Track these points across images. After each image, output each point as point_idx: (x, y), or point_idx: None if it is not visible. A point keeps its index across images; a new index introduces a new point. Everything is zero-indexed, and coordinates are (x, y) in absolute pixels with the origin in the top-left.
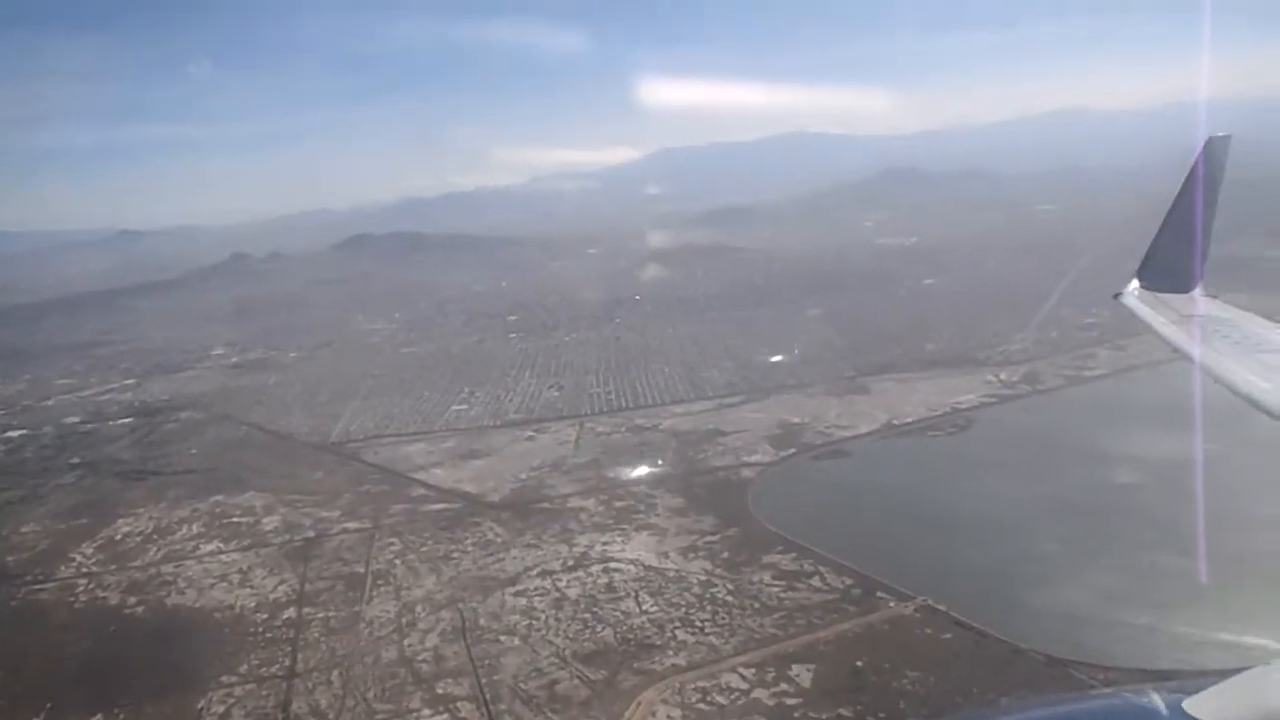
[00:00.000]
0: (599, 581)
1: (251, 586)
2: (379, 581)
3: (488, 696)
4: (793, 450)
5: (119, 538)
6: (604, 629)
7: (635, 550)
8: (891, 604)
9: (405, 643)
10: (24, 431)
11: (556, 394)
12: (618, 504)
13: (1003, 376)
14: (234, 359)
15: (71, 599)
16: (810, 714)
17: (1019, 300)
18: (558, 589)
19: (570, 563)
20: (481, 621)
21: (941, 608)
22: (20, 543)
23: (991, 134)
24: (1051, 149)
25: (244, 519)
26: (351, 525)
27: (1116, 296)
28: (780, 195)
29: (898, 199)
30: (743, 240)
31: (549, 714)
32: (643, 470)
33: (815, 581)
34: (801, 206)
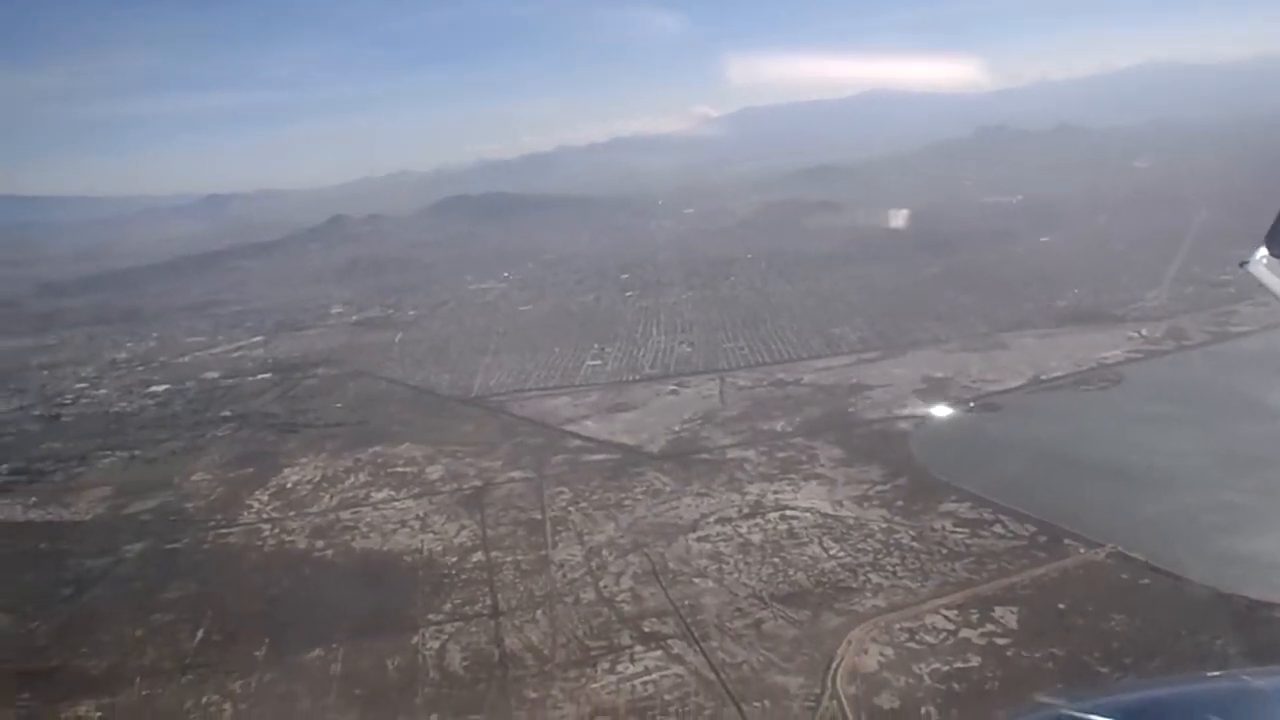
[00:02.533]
0: (779, 528)
1: (433, 532)
2: (559, 527)
3: (696, 635)
4: (943, 403)
5: (289, 486)
6: (796, 572)
7: (808, 499)
8: (1082, 550)
9: (600, 584)
10: (168, 386)
11: (689, 350)
12: (779, 455)
13: (1144, 332)
14: (354, 317)
15: (260, 543)
16: (1023, 653)
17: (1142, 257)
18: (739, 535)
19: (745, 510)
20: (671, 565)
21: (1136, 555)
22: (195, 490)
23: (1075, 90)
24: (1139, 104)
25: (407, 469)
26: (516, 474)
27: (1243, 265)
28: (870, 154)
29: (993, 157)
30: (842, 199)
31: (762, 651)
32: (796, 421)
33: (998, 529)
34: (894, 165)
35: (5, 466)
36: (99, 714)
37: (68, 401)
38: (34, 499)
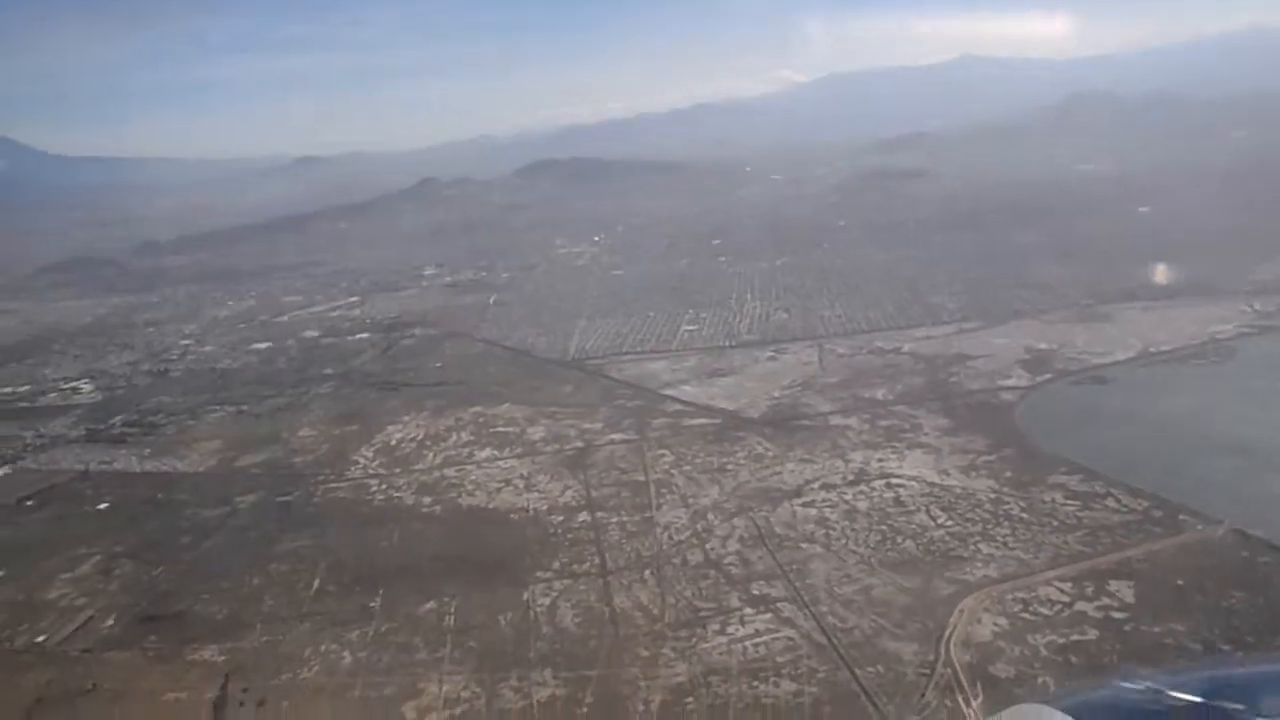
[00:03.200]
0: (885, 496)
1: (538, 491)
2: (662, 490)
3: (806, 599)
4: (1049, 375)
5: (393, 443)
6: (904, 540)
7: (913, 467)
8: (1199, 527)
9: (707, 547)
10: (269, 344)
11: (785, 316)
12: (881, 423)
13: (1257, 306)
14: (447, 279)
15: (368, 498)
16: (1141, 628)
17: (1248, 229)
18: (845, 502)
19: (850, 478)
20: (777, 530)
21: (1255, 532)
22: (302, 446)
23: (1171, 56)
24: (1237, 71)
25: (509, 429)
26: (617, 437)
27: None
28: (960, 121)
29: (1086, 125)
30: (933, 167)
31: (873, 616)
32: (898, 390)
33: (1110, 502)
34: (985, 133)
35: (119, 419)
36: (223, 658)
37: (174, 357)
38: (148, 450)
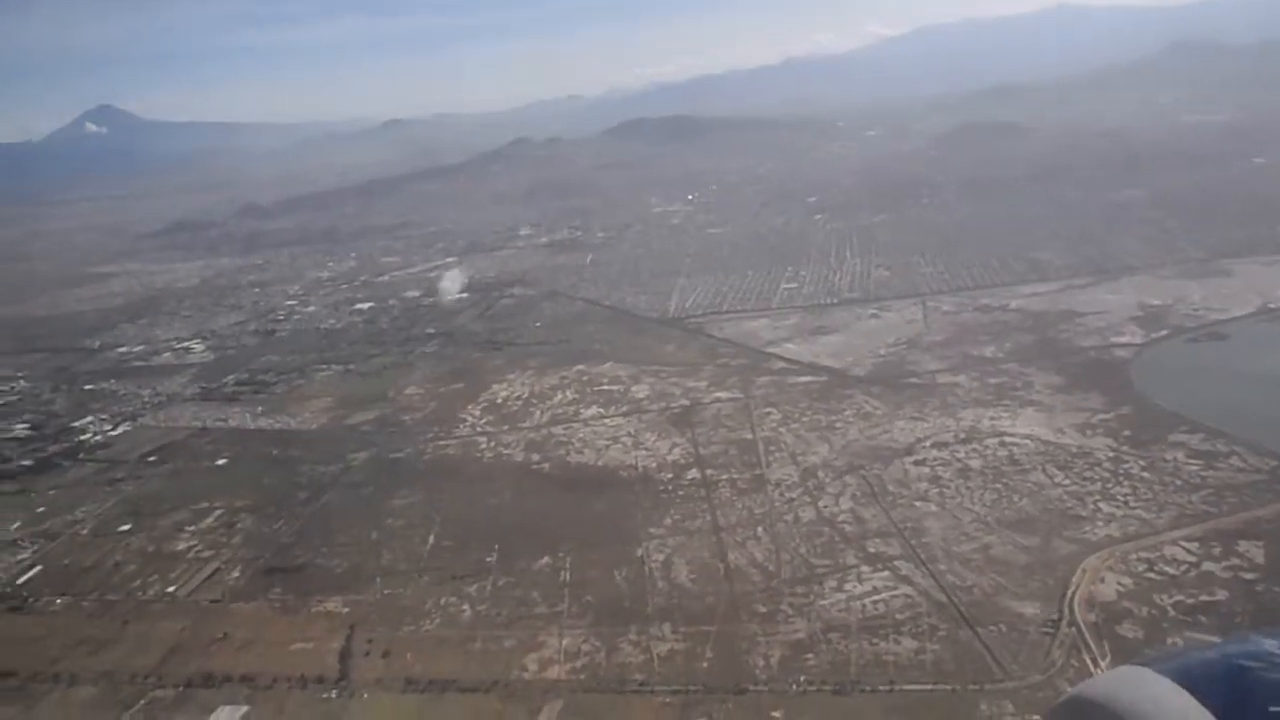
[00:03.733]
0: (998, 454)
1: (646, 449)
2: (771, 448)
3: (923, 557)
4: (1164, 332)
5: (499, 401)
6: (1020, 499)
7: (1026, 425)
8: None
9: (820, 504)
10: (372, 304)
11: (886, 273)
12: (991, 381)
13: None
14: (543, 239)
15: (478, 454)
16: (1275, 588)
17: None
18: (957, 460)
19: (961, 435)
20: (890, 488)
21: None
22: (410, 404)
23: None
24: None
25: (613, 387)
26: (723, 395)
27: None
28: (1055, 73)
29: (1190, 74)
30: (1029, 120)
31: (992, 575)
32: (1007, 348)
33: (1235, 461)
34: (1081, 84)
35: (231, 377)
36: (346, 610)
37: (280, 317)
38: (261, 408)
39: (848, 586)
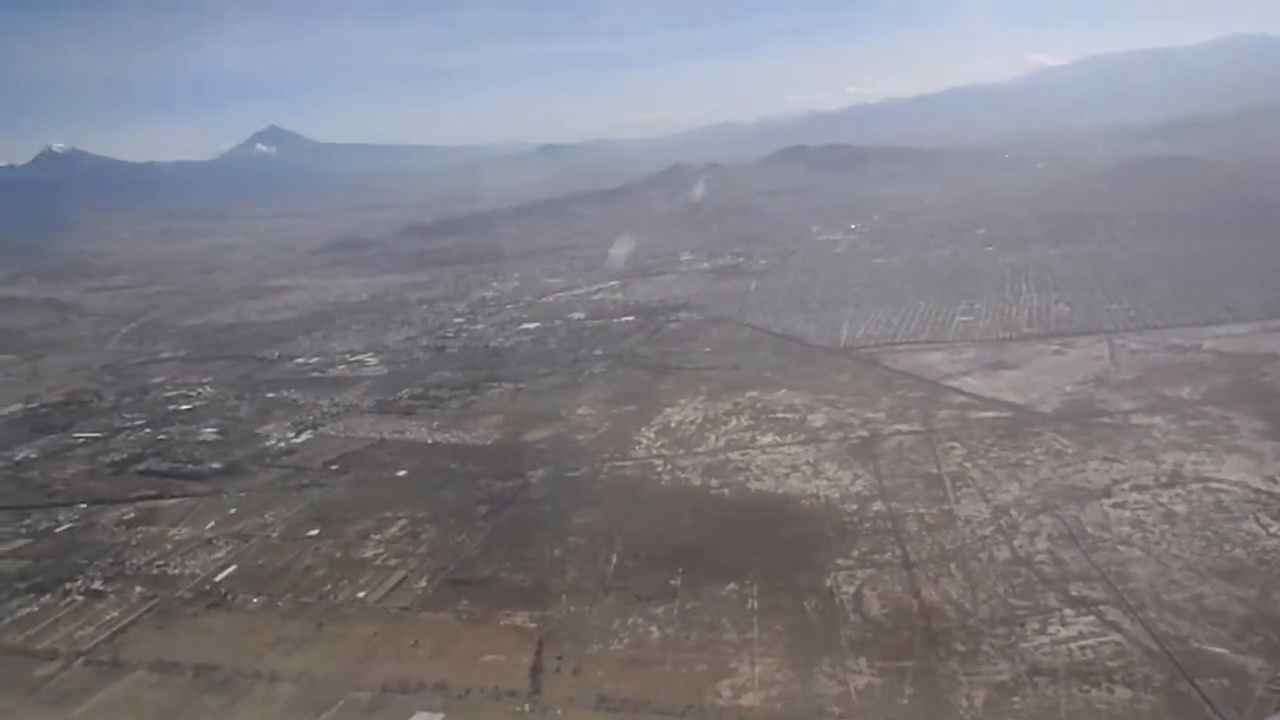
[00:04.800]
0: (1204, 500)
1: (827, 479)
2: (958, 483)
3: (1130, 603)
4: None
5: (673, 425)
6: (1233, 548)
7: (1233, 471)
8: None
9: (1014, 544)
10: (538, 324)
11: (1066, 309)
12: (1191, 423)
13: None
14: (705, 264)
15: (655, 477)
16: None
17: None
18: (1160, 504)
19: (1163, 479)
20: (1089, 530)
21: None
22: (583, 424)
23: None
24: None
25: (788, 415)
26: (903, 427)
27: None
28: (1233, 105)
29: None
30: (1209, 153)
31: (1208, 626)
32: (1204, 390)
33: None
34: (1265, 117)
35: (405, 391)
36: (534, 625)
37: (449, 335)
38: (436, 422)
39: (1051, 629)
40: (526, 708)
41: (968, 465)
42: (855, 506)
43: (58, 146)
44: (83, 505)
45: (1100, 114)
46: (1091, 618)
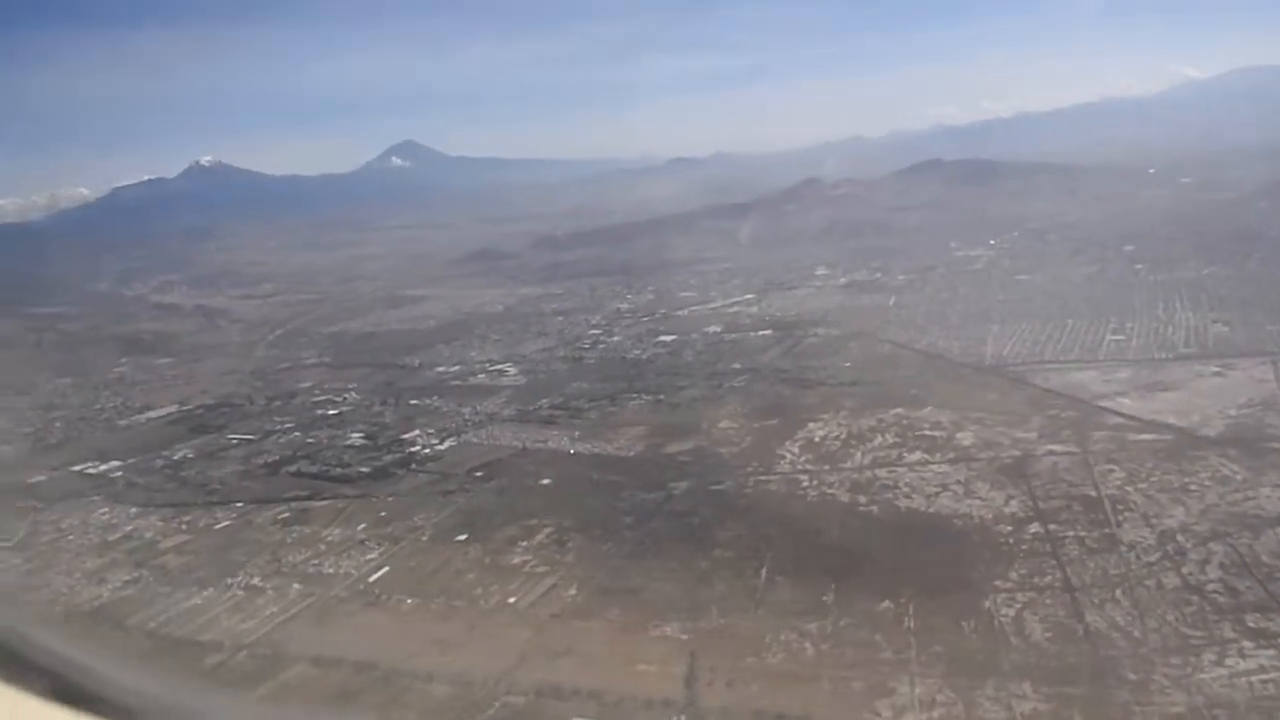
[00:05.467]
0: None
1: (979, 499)
2: (1118, 506)
3: None
4: None
5: (817, 440)
6: None
7: None
8: None
9: (1183, 571)
10: (675, 337)
11: (1225, 329)
12: None
13: None
14: (841, 279)
15: (801, 492)
16: None
17: None
18: None
19: None
20: (1263, 559)
21: None
22: (725, 437)
23: None
24: None
25: (935, 433)
26: (1057, 448)
27: None
28: None
29: None
30: None
31: None
32: None
33: None
34: None
35: (545, 401)
36: (685, 636)
37: (586, 346)
38: (578, 433)
39: (1229, 662)
40: (683, 718)
41: (1128, 488)
42: (1010, 528)
43: (205, 160)
44: (239, 504)
45: (1251, 129)
46: (1272, 651)
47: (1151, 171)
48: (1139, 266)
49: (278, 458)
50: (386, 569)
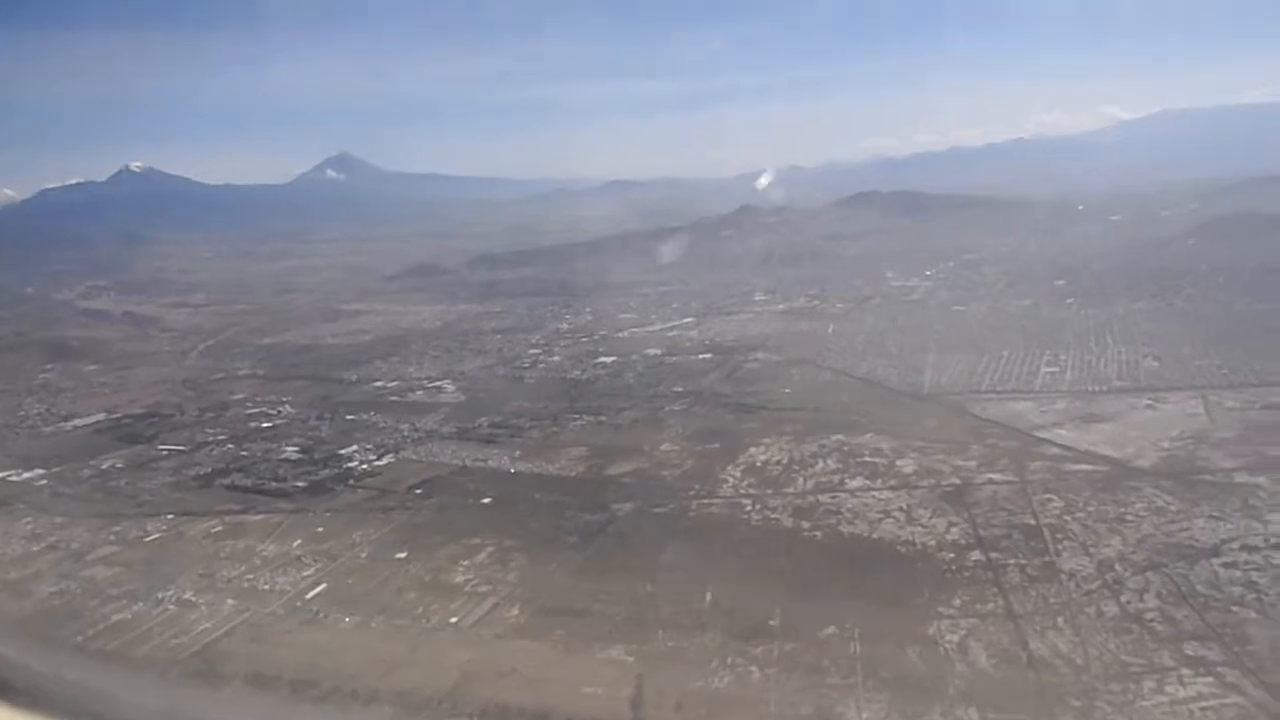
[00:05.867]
0: None
1: (921, 525)
2: (1058, 535)
3: (1251, 666)
4: None
5: (759, 464)
6: None
7: None
8: None
9: (1122, 599)
10: (615, 359)
11: (1156, 364)
12: None
13: None
14: (780, 306)
15: (744, 516)
16: None
17: None
18: (1273, 565)
19: (1273, 540)
20: (1199, 589)
21: None
22: (667, 460)
23: None
24: None
25: (876, 459)
26: (996, 477)
27: None
28: None
29: None
30: None
31: None
32: None
33: None
34: None
35: (485, 419)
36: (630, 658)
37: (526, 365)
38: (518, 451)
39: (1169, 689)
40: None
41: (1066, 518)
42: (953, 555)
43: (135, 165)
44: (170, 516)
45: (1180, 169)
46: (1210, 679)
47: (1081, 208)
48: (1071, 300)
49: (210, 470)
50: (324, 586)
